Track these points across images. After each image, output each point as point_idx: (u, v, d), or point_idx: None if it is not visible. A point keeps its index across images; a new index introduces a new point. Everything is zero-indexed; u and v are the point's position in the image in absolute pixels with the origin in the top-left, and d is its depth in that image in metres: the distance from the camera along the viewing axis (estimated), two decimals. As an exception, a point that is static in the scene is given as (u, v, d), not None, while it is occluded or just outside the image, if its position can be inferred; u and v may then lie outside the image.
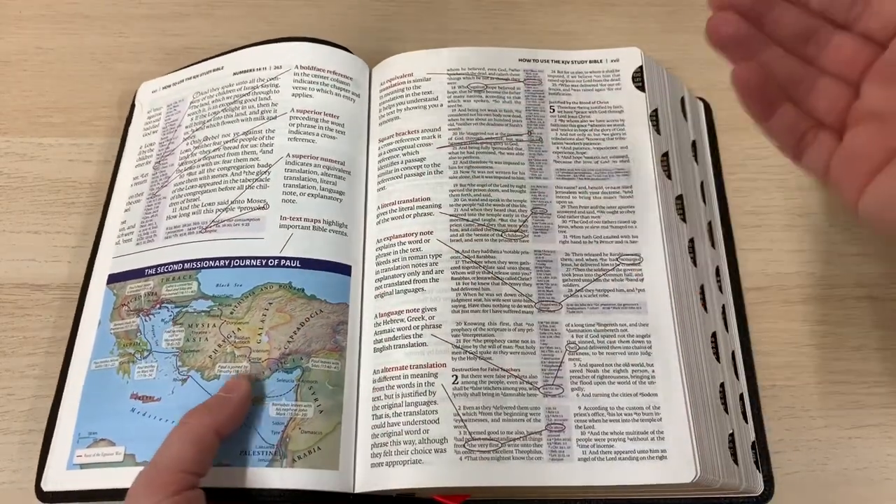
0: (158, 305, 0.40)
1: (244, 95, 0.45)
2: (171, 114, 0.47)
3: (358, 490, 0.37)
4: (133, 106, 0.49)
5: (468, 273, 0.40)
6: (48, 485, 0.38)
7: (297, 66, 0.46)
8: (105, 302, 0.42)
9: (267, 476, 0.36)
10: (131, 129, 0.48)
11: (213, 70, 0.47)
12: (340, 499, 0.37)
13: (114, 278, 0.43)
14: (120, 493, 0.35)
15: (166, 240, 0.42)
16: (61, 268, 0.45)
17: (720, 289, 0.44)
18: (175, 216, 0.43)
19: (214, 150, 0.44)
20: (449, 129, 0.44)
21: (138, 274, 0.42)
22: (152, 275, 0.41)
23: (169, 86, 0.49)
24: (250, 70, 0.46)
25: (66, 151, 0.49)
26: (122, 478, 0.36)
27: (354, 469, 0.37)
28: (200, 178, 0.43)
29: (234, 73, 0.47)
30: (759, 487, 0.39)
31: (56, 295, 0.45)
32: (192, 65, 0.49)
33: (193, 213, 0.42)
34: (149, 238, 0.43)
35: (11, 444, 0.41)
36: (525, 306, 0.39)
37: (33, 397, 0.42)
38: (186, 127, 0.46)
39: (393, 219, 0.42)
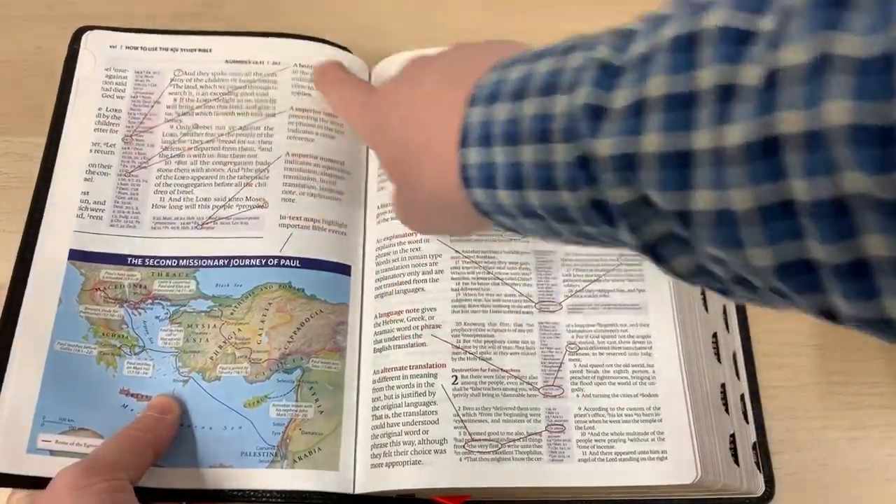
0: (150, 301, 0.40)
1: (240, 88, 0.45)
2: (143, 84, 0.45)
3: (358, 491, 0.37)
4: (75, 51, 0.45)
5: (468, 273, 0.40)
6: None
7: (296, 64, 0.45)
8: (68, 279, 0.39)
9: (267, 477, 0.36)
10: (80, 84, 0.44)
11: (199, 50, 0.46)
12: (340, 499, 0.37)
13: (79, 255, 0.40)
14: None
15: (154, 230, 0.41)
16: (61, 268, 0.45)
17: (721, 289, 0.44)
18: (164, 206, 0.42)
19: (208, 142, 0.43)
20: (449, 129, 0.44)
21: (118, 260, 0.40)
22: (138, 265, 0.40)
23: (136, 48, 0.46)
24: (246, 62, 0.45)
25: (66, 151, 0.49)
26: None
27: (354, 470, 0.37)
28: (193, 170, 0.43)
29: (227, 62, 0.46)
30: (760, 488, 0.39)
31: (56, 295, 0.44)
32: (163, 32, 0.47)
33: (187, 207, 0.42)
34: (129, 223, 0.41)
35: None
36: (525, 307, 0.39)
37: (33, 397, 0.42)
38: (168, 107, 0.44)
39: (393, 219, 0.42)
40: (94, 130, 0.43)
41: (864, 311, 0.18)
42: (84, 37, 0.46)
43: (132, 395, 0.38)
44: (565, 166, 0.23)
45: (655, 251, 0.23)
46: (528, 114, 0.24)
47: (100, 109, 0.44)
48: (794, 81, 0.18)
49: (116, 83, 0.45)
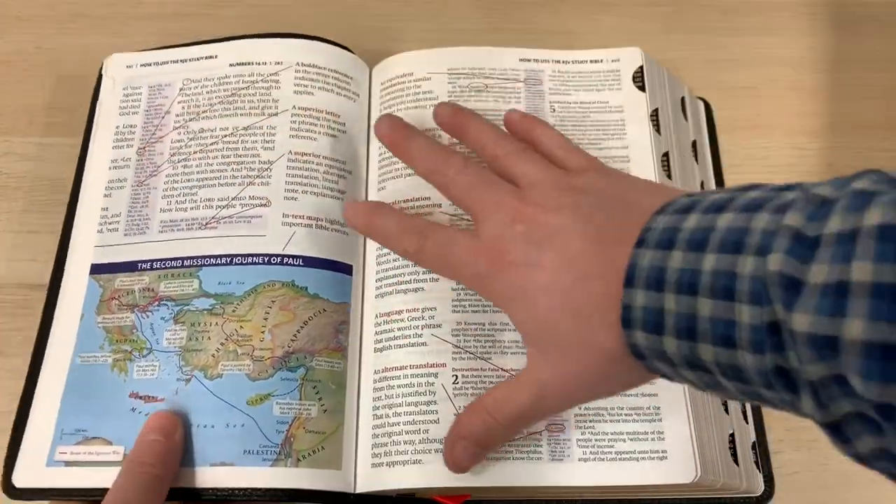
0: (157, 303, 0.40)
1: (243, 89, 0.45)
2: (156, 97, 0.46)
3: (359, 490, 0.37)
4: (100, 78, 0.47)
5: (469, 273, 0.40)
6: (21, 481, 0.37)
7: (298, 64, 0.45)
8: (89, 294, 0.41)
9: (271, 476, 0.36)
10: (101, 106, 0.46)
11: (206, 57, 0.46)
12: (341, 499, 0.37)
13: (98, 269, 0.41)
14: None
15: (161, 234, 0.41)
16: (61, 267, 0.45)
17: (720, 289, 0.44)
18: (170, 209, 0.42)
19: (212, 144, 0.43)
20: (449, 129, 0.44)
21: (130, 267, 0.41)
22: (147, 269, 0.41)
23: (149, 64, 0.47)
24: (248, 63, 0.46)
25: (66, 151, 0.49)
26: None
27: (355, 469, 0.37)
28: (198, 172, 0.43)
29: (231, 65, 0.46)
30: (760, 488, 0.39)
31: (56, 295, 0.44)
32: (174, 46, 0.47)
33: (192, 209, 0.42)
34: (140, 230, 0.42)
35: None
36: (525, 306, 0.39)
37: (33, 397, 0.42)
38: (177, 115, 0.45)
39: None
40: (113, 148, 0.45)
41: None
42: (105, 62, 0.48)
43: (140, 398, 0.38)
44: (750, 328, 0.23)
45: (839, 430, 0.22)
46: (708, 268, 0.24)
47: (117, 127, 0.45)
48: None
49: (132, 100, 0.46)
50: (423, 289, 0.40)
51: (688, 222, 0.25)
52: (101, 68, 0.47)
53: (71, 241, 0.42)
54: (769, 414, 0.41)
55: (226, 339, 0.39)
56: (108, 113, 0.46)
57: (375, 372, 0.39)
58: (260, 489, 0.36)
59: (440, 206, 0.42)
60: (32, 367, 0.40)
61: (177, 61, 0.47)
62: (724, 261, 0.23)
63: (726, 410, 0.40)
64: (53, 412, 0.38)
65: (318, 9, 0.54)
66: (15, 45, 0.53)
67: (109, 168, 0.44)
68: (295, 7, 0.54)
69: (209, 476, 0.36)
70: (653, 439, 0.37)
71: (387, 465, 0.37)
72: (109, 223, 0.42)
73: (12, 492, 0.37)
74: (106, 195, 0.43)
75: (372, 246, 0.42)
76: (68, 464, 0.37)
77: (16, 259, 0.46)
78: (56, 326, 0.40)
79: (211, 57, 0.46)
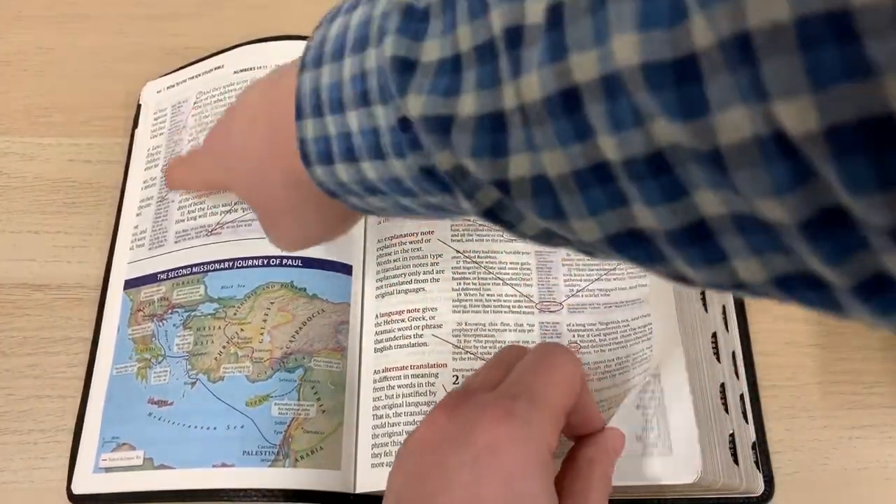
0: (170, 310, 0.41)
1: None
2: (176, 115, 0.47)
3: (359, 490, 0.37)
4: (139, 107, 0.49)
5: (469, 273, 0.40)
6: (77, 488, 0.39)
7: (298, 66, 0.46)
8: (123, 308, 0.42)
9: (269, 476, 0.36)
10: (138, 132, 0.48)
11: (215, 69, 0.47)
12: (341, 499, 0.37)
13: (129, 284, 0.43)
14: (140, 497, 0.37)
15: (176, 244, 0.43)
16: (61, 268, 0.45)
17: (720, 289, 0.44)
18: (183, 220, 0.43)
19: None
20: (449, 129, 0.44)
21: (151, 279, 0.42)
22: (164, 280, 0.42)
23: (172, 86, 0.48)
24: (251, 69, 0.46)
25: (66, 151, 0.49)
26: (142, 482, 0.37)
27: (355, 469, 0.37)
28: None
29: (235, 72, 0.46)
30: (760, 487, 0.39)
31: (56, 295, 0.45)
32: (193, 63, 0.49)
33: (200, 217, 0.43)
34: (160, 243, 0.43)
35: (10, 444, 0.41)
36: (526, 307, 0.39)
37: (33, 397, 0.42)
38: (191, 128, 0.46)
39: (393, 218, 0.42)
40: (145, 170, 0.46)
41: (714, 277, 0.16)
42: (142, 91, 0.49)
43: (155, 403, 0.39)
44: (389, 131, 0.20)
45: (498, 217, 0.20)
46: (347, 75, 0.21)
47: (148, 150, 0.47)
48: (578, 13, 0.15)
49: (160, 122, 0.47)
50: (423, 289, 0.40)
51: (332, 28, 0.22)
52: (139, 98, 0.49)
53: (113, 261, 0.44)
54: (769, 414, 0.41)
55: (227, 342, 0.39)
56: (141, 137, 0.48)
57: (376, 372, 0.39)
58: (258, 489, 0.36)
59: (440, 206, 0.42)
60: (87, 381, 0.41)
61: (192, 77, 0.48)
62: (356, 63, 0.21)
63: (726, 410, 0.40)
64: (98, 422, 0.40)
65: (319, 8, 0.54)
66: (15, 45, 0.53)
67: (141, 188, 0.46)
68: (295, 7, 0.54)
69: (209, 477, 0.36)
70: (654, 438, 0.37)
71: (387, 465, 0.37)
72: (139, 240, 0.44)
73: (72, 497, 0.39)
74: (138, 214, 0.45)
75: (373, 246, 0.42)
76: (107, 470, 0.38)
77: (16, 259, 0.46)
78: (101, 342, 0.42)
79: (219, 67, 0.47)
